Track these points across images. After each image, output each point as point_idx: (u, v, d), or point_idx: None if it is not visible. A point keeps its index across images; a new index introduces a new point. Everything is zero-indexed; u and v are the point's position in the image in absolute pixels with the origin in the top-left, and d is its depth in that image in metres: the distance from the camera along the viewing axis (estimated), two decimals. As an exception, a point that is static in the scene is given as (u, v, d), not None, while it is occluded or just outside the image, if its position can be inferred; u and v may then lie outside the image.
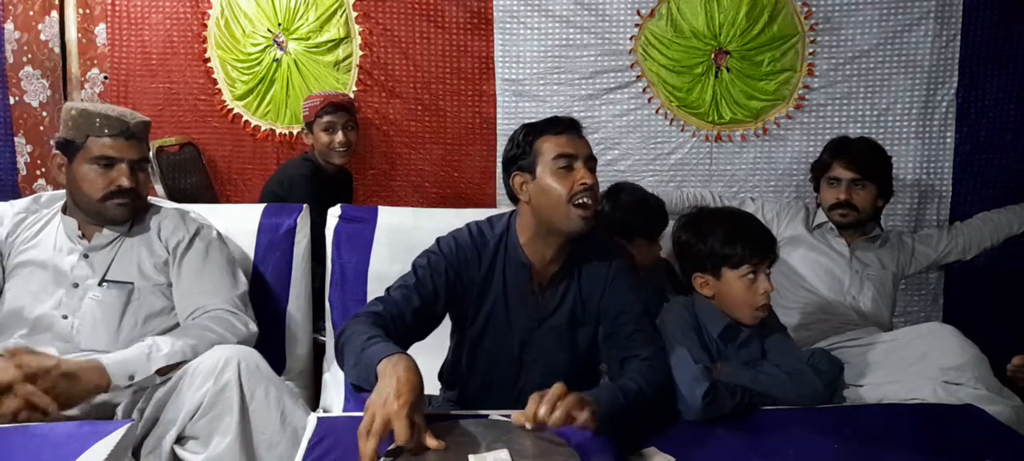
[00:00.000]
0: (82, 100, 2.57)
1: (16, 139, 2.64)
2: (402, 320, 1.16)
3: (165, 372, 1.22)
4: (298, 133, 2.46)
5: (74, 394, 1.13)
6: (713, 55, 2.41)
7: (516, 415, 0.98)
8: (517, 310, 1.28)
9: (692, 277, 1.37)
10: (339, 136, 2.22)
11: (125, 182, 1.38)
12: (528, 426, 0.95)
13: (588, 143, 1.25)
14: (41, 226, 1.47)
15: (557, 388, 0.97)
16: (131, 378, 1.18)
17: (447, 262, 1.24)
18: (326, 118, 2.21)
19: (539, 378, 1.26)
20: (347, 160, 2.30)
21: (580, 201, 1.19)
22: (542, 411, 0.93)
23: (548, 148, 1.21)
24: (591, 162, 1.23)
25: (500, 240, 1.28)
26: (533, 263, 1.27)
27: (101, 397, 1.18)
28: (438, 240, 1.29)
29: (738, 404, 1.22)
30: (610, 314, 1.27)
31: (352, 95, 2.54)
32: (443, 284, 1.23)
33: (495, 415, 1.10)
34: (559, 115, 1.27)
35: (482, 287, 1.27)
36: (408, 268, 1.24)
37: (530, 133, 1.24)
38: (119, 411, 1.27)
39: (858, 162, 1.80)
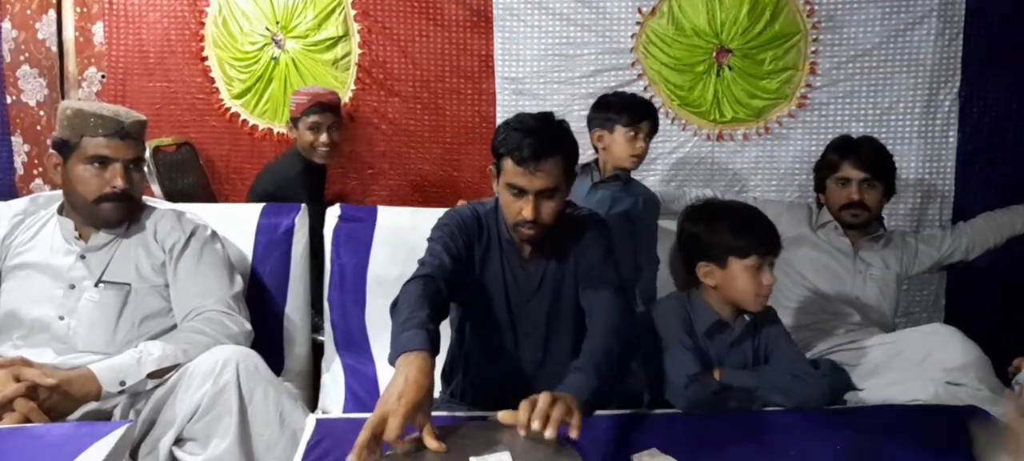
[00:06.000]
0: (79, 99, 2.56)
1: (13, 139, 2.63)
2: (445, 271, 1.20)
3: (157, 376, 1.22)
4: (286, 130, 2.38)
5: (67, 407, 1.14)
6: (715, 53, 2.40)
7: (503, 415, 0.97)
8: (510, 283, 1.33)
9: (696, 267, 1.39)
10: (324, 137, 2.20)
11: (119, 183, 1.37)
12: (521, 432, 0.94)
13: (549, 174, 1.21)
14: (39, 227, 1.45)
15: (544, 399, 0.95)
16: (122, 384, 1.18)
17: (458, 228, 1.30)
18: (312, 117, 2.19)
19: (532, 353, 1.35)
20: (331, 159, 2.29)
21: (523, 229, 1.25)
22: (536, 425, 0.93)
23: (506, 170, 1.24)
24: (544, 195, 1.22)
25: (491, 217, 1.36)
26: (516, 239, 1.33)
27: (92, 405, 1.18)
28: (442, 216, 1.34)
29: (729, 396, 1.24)
30: (581, 270, 1.32)
31: (351, 93, 2.53)
32: (462, 245, 1.28)
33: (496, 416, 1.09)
34: (536, 127, 1.23)
35: (482, 258, 1.33)
36: (408, 269, 1.24)
37: (503, 143, 1.23)
38: (117, 412, 1.26)
39: (868, 161, 1.80)
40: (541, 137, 1.21)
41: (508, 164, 1.22)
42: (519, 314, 1.34)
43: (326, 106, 2.21)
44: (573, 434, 0.92)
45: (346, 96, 2.54)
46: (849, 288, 1.82)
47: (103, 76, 2.57)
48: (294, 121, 2.24)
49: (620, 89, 2.41)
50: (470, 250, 1.31)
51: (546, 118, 1.26)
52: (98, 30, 2.55)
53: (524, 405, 0.95)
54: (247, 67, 2.54)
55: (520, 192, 1.23)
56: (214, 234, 1.53)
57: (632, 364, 1.36)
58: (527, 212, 1.22)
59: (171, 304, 1.44)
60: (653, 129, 1.84)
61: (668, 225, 1.79)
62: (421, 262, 1.23)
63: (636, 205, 1.82)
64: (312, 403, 1.74)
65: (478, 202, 1.40)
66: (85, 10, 2.55)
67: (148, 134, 1.51)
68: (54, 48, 2.57)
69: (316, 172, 2.28)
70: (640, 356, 1.38)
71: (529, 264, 1.34)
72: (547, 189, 1.22)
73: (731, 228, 1.34)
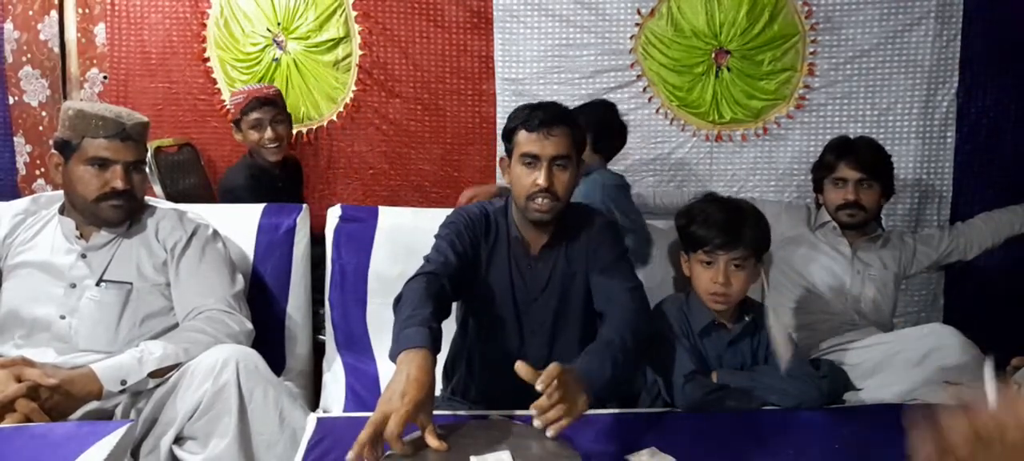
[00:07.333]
0: (81, 100, 2.57)
1: (15, 139, 2.64)
2: (449, 269, 1.22)
3: (158, 375, 1.22)
4: (234, 137, 2.27)
5: (69, 407, 1.15)
6: (713, 54, 2.41)
7: (520, 366, 0.98)
8: (517, 281, 1.34)
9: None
10: (268, 132, 2.13)
11: (119, 184, 1.37)
12: (540, 385, 0.95)
13: (561, 141, 1.26)
14: (40, 227, 1.46)
15: (553, 368, 0.97)
16: (123, 383, 1.19)
17: (465, 226, 1.32)
18: (252, 115, 2.12)
19: (538, 351, 1.35)
20: (282, 154, 2.21)
21: (536, 202, 1.27)
22: (548, 397, 0.94)
23: (519, 142, 1.28)
24: (558, 161, 1.26)
25: (500, 215, 1.37)
26: (525, 237, 1.35)
27: (93, 404, 1.19)
28: (450, 214, 1.36)
29: (726, 396, 1.25)
30: (593, 266, 1.33)
31: (352, 94, 2.54)
32: (469, 243, 1.30)
33: (496, 415, 1.10)
34: (544, 103, 1.31)
35: (489, 256, 1.34)
36: (408, 268, 1.25)
37: (514, 119, 1.30)
38: (118, 411, 1.27)
39: (865, 162, 1.80)
40: (551, 108, 1.28)
41: (521, 135, 1.27)
42: (525, 312, 1.35)
43: (264, 101, 2.13)
44: (550, 434, 0.94)
45: (347, 97, 2.55)
46: (847, 288, 1.82)
47: (105, 77, 2.58)
48: (236, 124, 2.17)
49: (620, 89, 2.44)
50: (476, 248, 1.32)
51: (552, 102, 1.33)
52: (100, 31, 2.55)
53: (550, 370, 0.97)
54: (249, 68, 2.55)
55: (534, 160, 1.26)
56: (215, 233, 1.54)
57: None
58: (541, 179, 1.24)
59: (172, 303, 1.44)
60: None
61: (665, 225, 1.80)
62: (426, 259, 1.25)
63: (592, 193, 1.75)
64: (313, 402, 1.74)
65: (487, 201, 1.42)
66: (87, 11, 2.56)
67: (149, 135, 1.52)
68: (56, 49, 2.57)
69: (274, 174, 2.19)
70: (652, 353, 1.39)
71: (538, 262, 1.35)
72: (560, 156, 1.26)
73: (698, 220, 1.35)
